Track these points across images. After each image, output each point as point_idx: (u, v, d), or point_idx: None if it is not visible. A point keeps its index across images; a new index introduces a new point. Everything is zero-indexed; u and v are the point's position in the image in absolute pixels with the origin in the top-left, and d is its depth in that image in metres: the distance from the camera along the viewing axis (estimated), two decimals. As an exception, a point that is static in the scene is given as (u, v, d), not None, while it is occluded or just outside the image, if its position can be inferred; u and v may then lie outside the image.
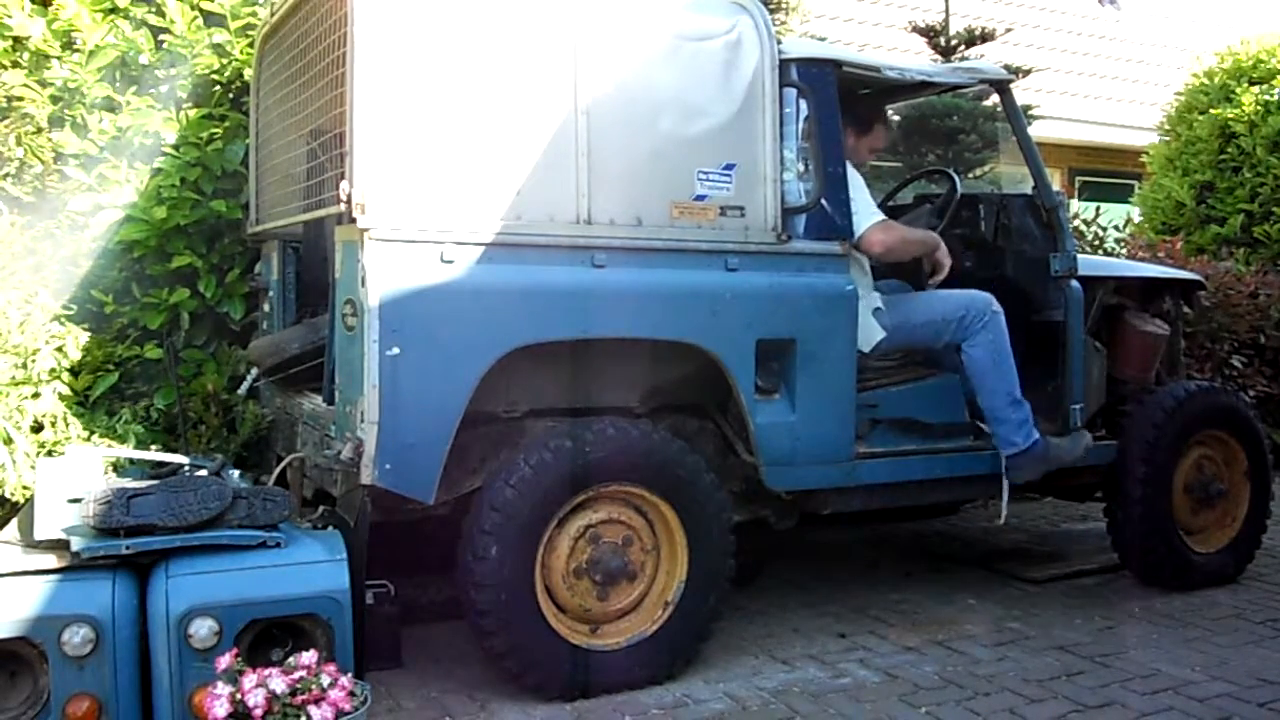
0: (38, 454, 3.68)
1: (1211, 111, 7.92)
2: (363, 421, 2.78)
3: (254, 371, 4.04)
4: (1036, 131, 5.26)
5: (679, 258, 3.17)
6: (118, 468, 3.63)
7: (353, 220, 2.77)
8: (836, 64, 3.51)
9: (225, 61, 4.39)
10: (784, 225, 3.33)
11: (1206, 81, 8.18)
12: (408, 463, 2.82)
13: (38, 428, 3.79)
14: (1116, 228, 7.63)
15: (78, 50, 4.18)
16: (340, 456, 2.83)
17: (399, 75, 2.83)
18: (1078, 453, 3.90)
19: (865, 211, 3.56)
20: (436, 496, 2.90)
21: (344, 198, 2.78)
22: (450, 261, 2.86)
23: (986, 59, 6.68)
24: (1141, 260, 6.21)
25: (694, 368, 3.32)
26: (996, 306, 3.75)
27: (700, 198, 3.20)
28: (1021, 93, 6.96)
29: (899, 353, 3.88)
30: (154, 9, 4.35)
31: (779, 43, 3.34)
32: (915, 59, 7.08)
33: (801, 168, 3.40)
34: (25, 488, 3.55)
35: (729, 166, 3.23)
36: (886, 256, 3.68)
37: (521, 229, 2.96)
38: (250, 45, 4.28)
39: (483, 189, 2.93)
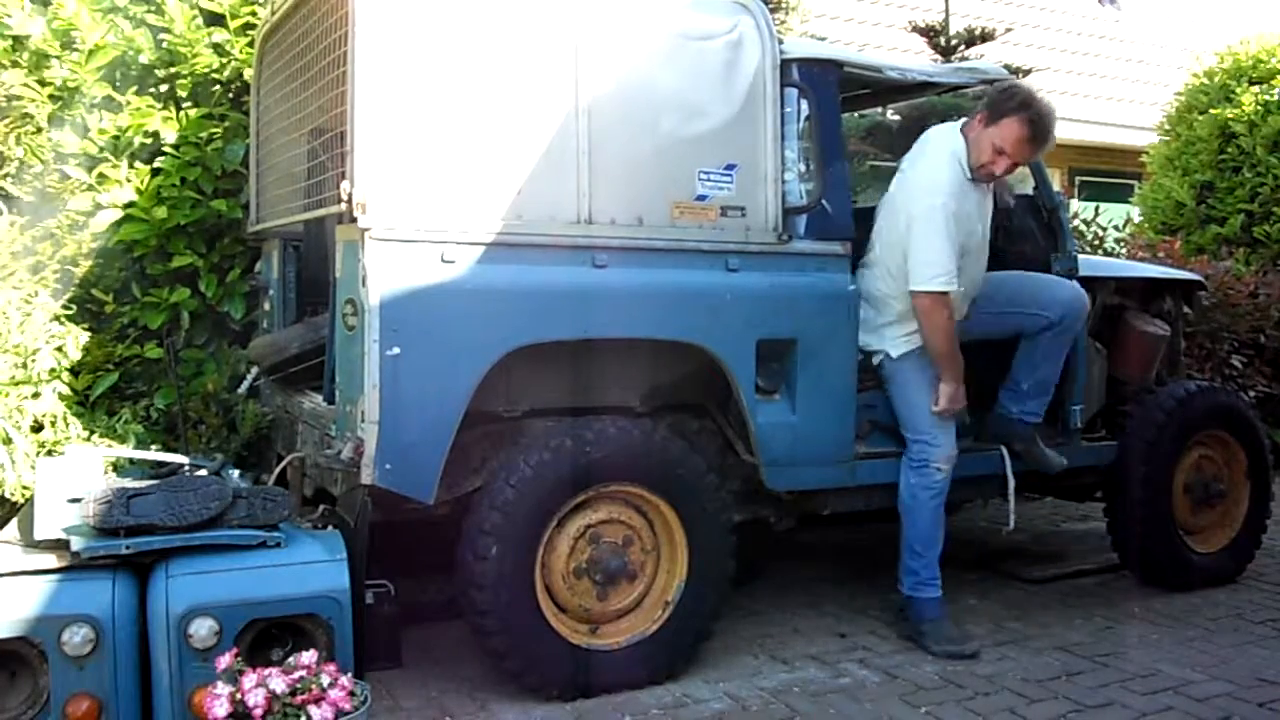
0: (38, 454, 3.67)
1: (1211, 111, 7.92)
2: (363, 421, 2.78)
3: (254, 371, 4.04)
4: (1037, 131, 5.23)
5: (680, 258, 3.17)
6: (118, 468, 3.63)
7: (353, 220, 2.77)
8: (838, 64, 3.51)
9: (225, 61, 4.39)
10: (785, 225, 3.32)
11: (1206, 81, 8.17)
12: (408, 462, 2.82)
13: (38, 428, 3.79)
14: (1116, 228, 7.63)
15: (77, 49, 4.17)
16: (340, 456, 2.82)
17: (400, 74, 2.83)
18: (1052, 464, 3.87)
19: (938, 265, 3.39)
20: (437, 496, 2.89)
21: (345, 197, 2.77)
22: (451, 261, 2.85)
23: (986, 59, 6.68)
24: (1141, 260, 6.21)
25: (695, 368, 3.31)
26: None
27: (701, 198, 3.20)
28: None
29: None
30: (153, 8, 4.34)
31: (780, 42, 3.34)
32: (915, 59, 7.08)
33: (803, 168, 3.40)
34: (25, 488, 3.55)
35: (730, 166, 3.23)
36: (920, 321, 3.50)
37: (522, 229, 2.96)
38: (250, 45, 4.28)
39: (484, 189, 2.92)
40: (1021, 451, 3.82)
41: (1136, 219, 8.35)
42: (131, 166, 4.22)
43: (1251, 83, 7.83)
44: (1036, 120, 3.46)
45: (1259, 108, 7.66)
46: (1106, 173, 12.01)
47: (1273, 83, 7.76)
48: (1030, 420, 3.78)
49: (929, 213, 3.42)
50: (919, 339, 3.56)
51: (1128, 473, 4.11)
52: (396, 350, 2.76)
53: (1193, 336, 6.04)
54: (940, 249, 3.41)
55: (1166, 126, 8.48)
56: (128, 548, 2.62)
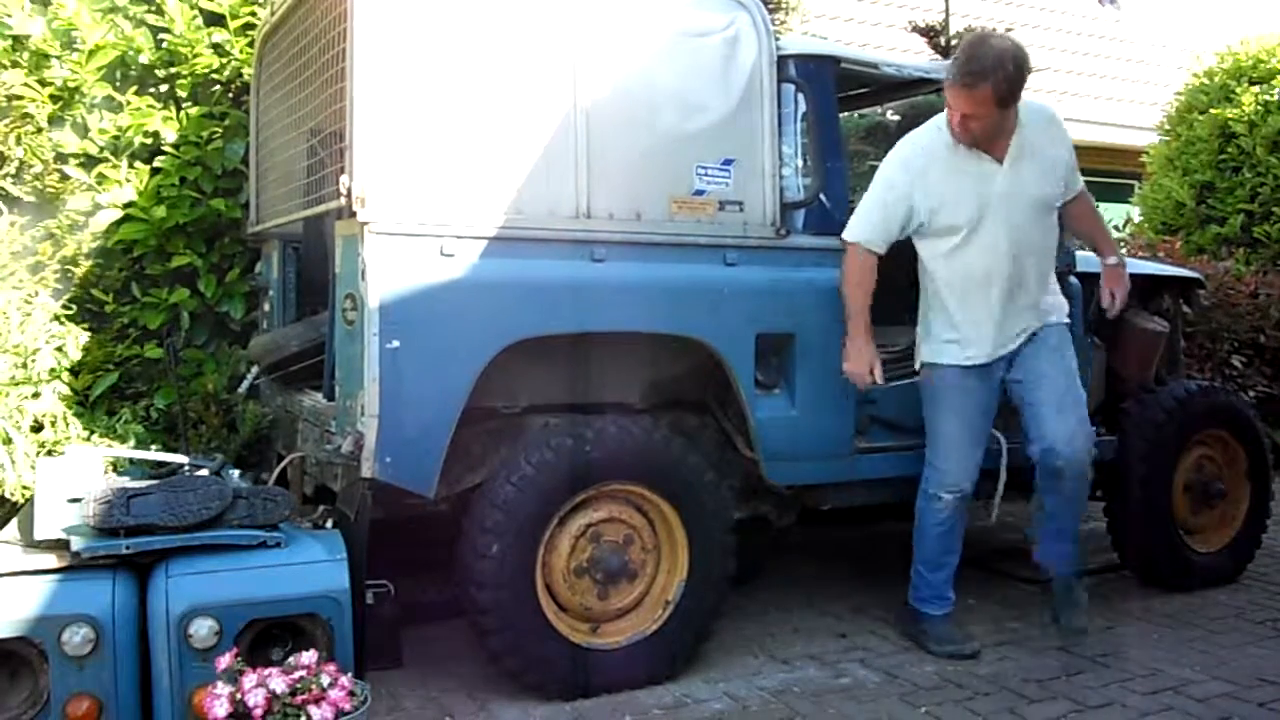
0: (38, 454, 3.67)
1: (1211, 111, 7.92)
2: (363, 415, 2.77)
3: (254, 370, 4.04)
4: (1036, 131, 5.23)
5: (678, 252, 3.17)
6: (118, 468, 3.63)
7: (353, 214, 2.77)
8: (834, 60, 3.52)
9: (225, 61, 4.39)
10: (783, 220, 3.33)
11: (1206, 81, 8.17)
12: (408, 456, 2.82)
13: (38, 428, 3.79)
14: (1116, 228, 7.63)
15: (78, 49, 4.17)
16: (341, 450, 2.82)
17: (399, 69, 2.83)
18: (1069, 618, 3.73)
19: (856, 216, 3.39)
20: (437, 491, 2.89)
21: (344, 191, 2.77)
22: (450, 255, 2.85)
23: (986, 59, 6.66)
24: (1141, 260, 6.21)
25: (693, 363, 3.31)
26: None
27: (699, 192, 3.20)
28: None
29: (900, 349, 3.82)
30: (153, 8, 4.35)
31: (777, 39, 3.35)
32: (915, 59, 7.08)
33: (800, 163, 3.41)
34: (25, 488, 3.55)
35: (728, 162, 3.23)
36: None
37: (521, 223, 2.96)
38: (250, 44, 4.28)
39: (483, 183, 2.93)
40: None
41: (1136, 219, 8.35)
42: (131, 166, 4.22)
43: (1251, 83, 7.83)
44: (950, 62, 3.27)
45: (1259, 108, 7.66)
46: (1106, 173, 12.00)
47: (1273, 83, 7.75)
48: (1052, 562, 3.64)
49: (876, 173, 3.43)
50: (935, 352, 3.50)
51: (1128, 472, 4.10)
52: (396, 344, 2.76)
53: (1193, 336, 6.04)
54: (866, 204, 3.39)
55: (1166, 126, 8.48)
56: (128, 548, 2.62)
